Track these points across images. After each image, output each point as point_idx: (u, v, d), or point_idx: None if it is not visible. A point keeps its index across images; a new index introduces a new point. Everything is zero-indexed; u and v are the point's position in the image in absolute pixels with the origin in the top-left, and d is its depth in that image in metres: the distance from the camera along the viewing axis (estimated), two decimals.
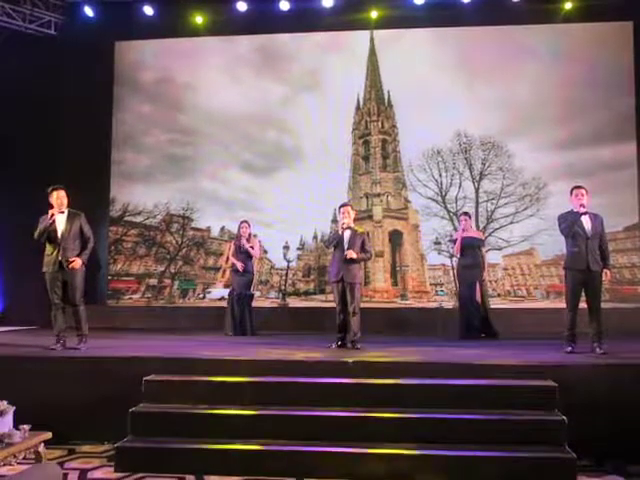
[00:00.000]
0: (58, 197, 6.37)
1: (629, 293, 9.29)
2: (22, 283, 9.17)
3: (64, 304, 6.38)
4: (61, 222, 6.34)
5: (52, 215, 6.23)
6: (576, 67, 9.44)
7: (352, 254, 6.50)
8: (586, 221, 6.05)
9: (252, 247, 8.24)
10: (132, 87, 10.54)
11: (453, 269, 9.26)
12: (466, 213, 8.27)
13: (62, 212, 6.37)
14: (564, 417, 4.57)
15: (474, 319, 7.72)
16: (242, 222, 8.34)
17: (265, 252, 10.22)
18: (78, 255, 6.34)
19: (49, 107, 9.60)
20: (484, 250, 8.19)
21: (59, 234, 6.30)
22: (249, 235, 8.28)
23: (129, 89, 10.53)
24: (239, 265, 8.13)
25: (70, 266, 6.26)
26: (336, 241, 6.68)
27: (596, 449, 4.74)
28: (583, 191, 6.14)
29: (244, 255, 8.20)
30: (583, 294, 6.10)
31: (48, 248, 6.31)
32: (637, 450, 4.74)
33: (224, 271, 8.46)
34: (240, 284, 8.17)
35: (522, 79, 9.59)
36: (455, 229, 9.12)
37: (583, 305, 6.12)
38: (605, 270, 6.08)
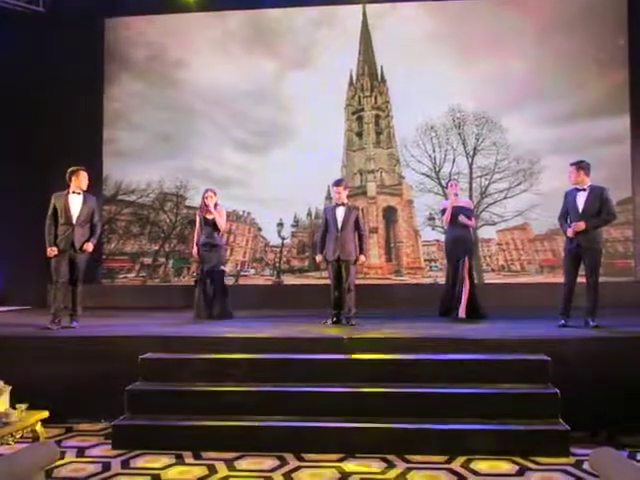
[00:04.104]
0: (83, 177, 6.43)
1: (622, 267, 9.34)
2: (17, 263, 9.16)
3: (66, 283, 6.41)
4: (77, 203, 6.39)
5: (52, 252, 6.26)
6: (570, 41, 9.37)
7: (362, 259, 6.78)
8: (580, 198, 6.07)
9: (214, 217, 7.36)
10: (123, 64, 10.43)
11: None
12: (455, 179, 7.66)
13: (78, 193, 6.41)
14: (557, 390, 4.62)
15: (456, 299, 7.04)
16: (207, 190, 7.48)
17: (259, 230, 10.22)
18: (89, 239, 6.43)
19: (38, 85, 9.49)
20: (475, 221, 7.54)
21: (74, 215, 6.34)
22: (215, 205, 7.39)
23: (120, 66, 10.42)
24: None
25: (84, 247, 6.36)
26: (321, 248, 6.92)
27: (589, 421, 4.80)
28: (572, 168, 6.17)
29: (211, 228, 7.37)
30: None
31: (60, 228, 6.31)
32: (629, 421, 4.80)
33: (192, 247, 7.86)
34: (209, 260, 7.34)
35: (515, 53, 9.52)
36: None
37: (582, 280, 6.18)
38: (586, 222, 5.97)
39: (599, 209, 6.02)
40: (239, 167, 10.18)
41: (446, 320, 6.90)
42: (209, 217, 7.35)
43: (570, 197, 6.19)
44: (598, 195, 6.05)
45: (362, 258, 6.72)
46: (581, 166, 6.11)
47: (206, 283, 7.33)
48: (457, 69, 9.58)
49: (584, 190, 6.07)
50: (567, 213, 6.25)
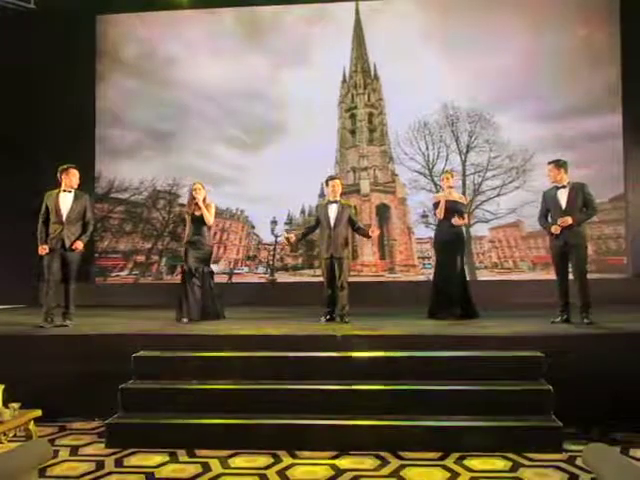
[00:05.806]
0: (73, 175, 6.42)
1: (615, 264, 9.38)
2: (9, 261, 9.11)
3: (59, 282, 6.39)
4: (67, 202, 6.37)
5: (43, 250, 6.27)
6: (563, 38, 9.41)
7: (376, 232, 6.73)
8: (562, 195, 6.12)
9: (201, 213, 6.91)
10: (115, 62, 10.40)
11: None
12: (449, 171, 7.18)
13: (70, 191, 6.39)
14: (550, 386, 4.64)
15: (448, 297, 6.72)
16: (194, 184, 7.04)
17: (252, 227, 10.21)
18: (79, 237, 6.39)
19: (30, 83, 9.44)
20: (467, 217, 7.06)
21: (64, 214, 6.32)
22: (203, 199, 6.97)
23: (112, 64, 10.39)
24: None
25: (74, 246, 6.32)
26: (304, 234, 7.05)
27: (582, 417, 4.81)
28: (550, 166, 6.24)
29: (199, 224, 6.92)
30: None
31: (52, 226, 6.30)
32: (622, 417, 4.82)
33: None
34: (196, 259, 6.87)
35: (509, 50, 9.54)
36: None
37: None
38: (572, 217, 6.00)
39: (582, 205, 6.09)
40: (232, 165, 10.17)
41: (439, 318, 6.82)
42: (197, 213, 6.93)
43: (550, 195, 6.25)
44: (580, 191, 6.10)
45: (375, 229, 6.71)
46: (560, 164, 6.20)
47: (191, 282, 6.82)
48: (450, 66, 9.60)
49: (564, 187, 6.12)
50: (547, 213, 6.32)
